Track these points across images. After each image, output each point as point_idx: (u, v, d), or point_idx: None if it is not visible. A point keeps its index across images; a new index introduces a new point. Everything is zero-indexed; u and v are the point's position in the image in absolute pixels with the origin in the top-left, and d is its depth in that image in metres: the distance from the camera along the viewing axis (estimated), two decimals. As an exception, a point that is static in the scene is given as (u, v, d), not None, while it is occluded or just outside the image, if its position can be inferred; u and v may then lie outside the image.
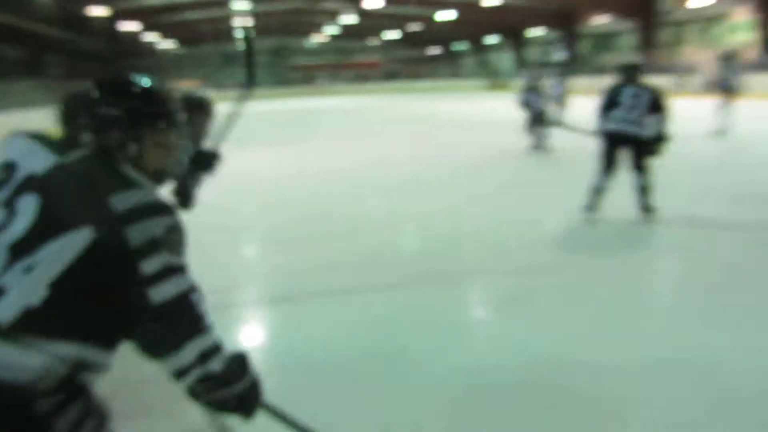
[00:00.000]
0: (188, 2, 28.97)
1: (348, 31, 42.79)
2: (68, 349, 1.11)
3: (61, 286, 1.09)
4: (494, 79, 39.99)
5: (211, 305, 1.26)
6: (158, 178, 1.35)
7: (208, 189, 3.08)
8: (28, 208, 1.14)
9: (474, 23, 35.69)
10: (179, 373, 1.19)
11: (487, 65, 43.71)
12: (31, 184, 1.17)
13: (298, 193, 7.10)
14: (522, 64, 36.94)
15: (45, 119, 11.24)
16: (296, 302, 3.58)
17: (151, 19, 30.25)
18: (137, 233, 1.13)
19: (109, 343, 1.21)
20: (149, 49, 37.91)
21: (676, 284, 4.03)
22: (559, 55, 34.53)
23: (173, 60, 46.14)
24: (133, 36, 32.62)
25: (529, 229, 5.15)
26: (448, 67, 49.61)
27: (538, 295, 3.56)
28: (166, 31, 36.19)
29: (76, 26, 25.52)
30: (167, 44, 41.13)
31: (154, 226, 1.16)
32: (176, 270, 1.18)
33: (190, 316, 1.20)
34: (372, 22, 38.65)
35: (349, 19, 36.22)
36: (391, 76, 47.44)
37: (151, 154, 1.30)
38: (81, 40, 27.27)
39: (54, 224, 1.12)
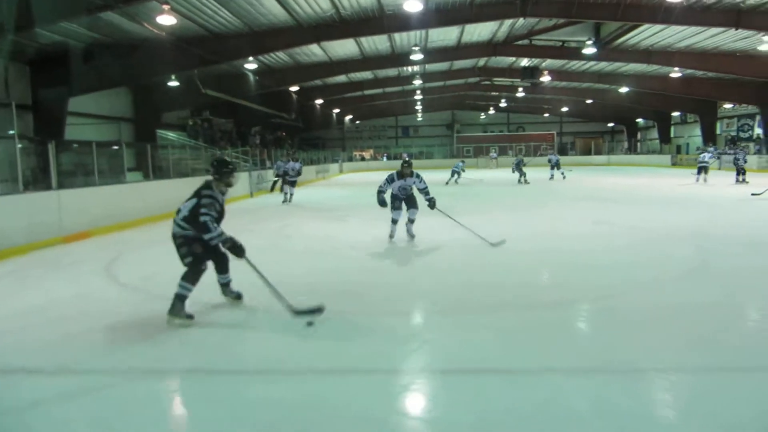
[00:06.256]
0: (368, 80, 31.49)
1: (521, 104, 43.18)
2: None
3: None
4: (679, 155, 37.34)
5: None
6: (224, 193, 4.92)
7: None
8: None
9: (659, 96, 33.81)
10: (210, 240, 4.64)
11: (671, 140, 40.99)
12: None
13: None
14: (712, 140, 34.07)
15: (243, 181, 13.01)
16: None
17: (335, 94, 33.32)
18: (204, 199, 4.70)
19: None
20: (334, 120, 41.56)
21: None
22: (757, 130, 31.40)
23: (354, 131, 50.22)
24: (321, 109, 36.11)
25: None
26: (627, 141, 47.37)
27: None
28: (347, 106, 39.52)
29: (274, 102, 28.99)
30: (349, 117, 44.79)
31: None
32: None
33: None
34: (546, 95, 38.55)
35: (523, 93, 36.57)
36: (563, 150, 46.58)
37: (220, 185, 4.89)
38: (278, 113, 30.86)
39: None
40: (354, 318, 4.81)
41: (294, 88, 29.28)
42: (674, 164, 35.80)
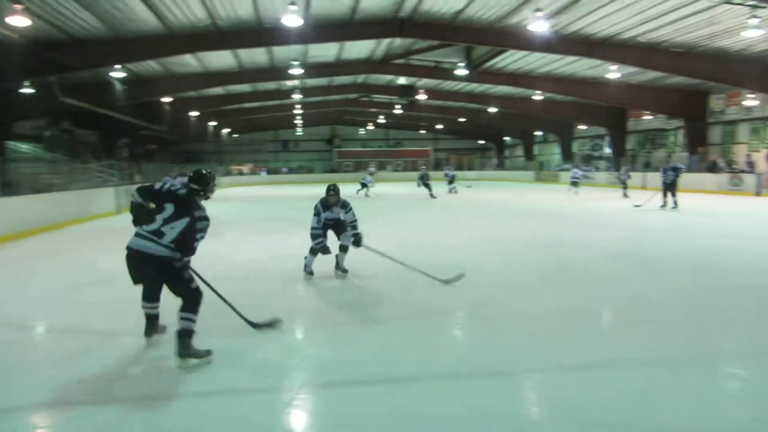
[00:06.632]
0: (246, 92, 30.83)
1: (399, 120, 44.51)
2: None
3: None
4: (540, 171, 40.52)
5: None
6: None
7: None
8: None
9: (523, 117, 36.54)
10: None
11: (535, 157, 44.37)
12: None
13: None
14: (569, 157, 37.42)
15: (108, 197, 11.99)
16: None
17: (211, 107, 32.27)
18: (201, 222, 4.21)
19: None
20: (211, 133, 40.15)
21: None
22: (606, 150, 34.98)
23: (232, 144, 48.79)
24: (196, 122, 34.74)
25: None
26: (496, 158, 50.55)
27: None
28: (225, 119, 38.39)
29: (144, 113, 27.43)
30: (226, 130, 43.49)
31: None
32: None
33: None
34: (422, 113, 40.07)
35: (401, 110, 37.69)
36: (438, 165, 48.65)
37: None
38: (149, 125, 29.22)
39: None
40: (231, 336, 4.65)
41: (167, 99, 27.93)
42: (537, 179, 38.82)
